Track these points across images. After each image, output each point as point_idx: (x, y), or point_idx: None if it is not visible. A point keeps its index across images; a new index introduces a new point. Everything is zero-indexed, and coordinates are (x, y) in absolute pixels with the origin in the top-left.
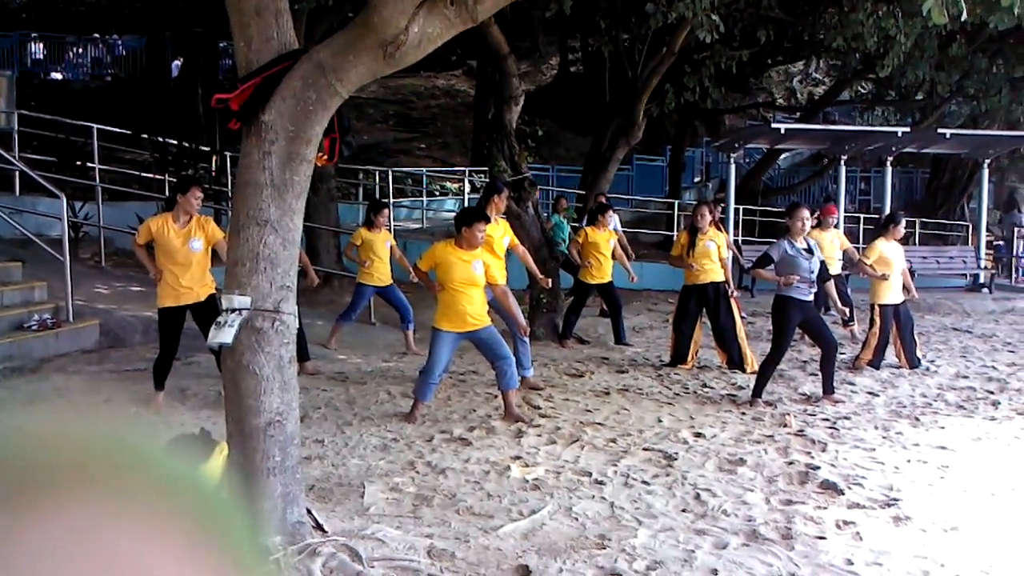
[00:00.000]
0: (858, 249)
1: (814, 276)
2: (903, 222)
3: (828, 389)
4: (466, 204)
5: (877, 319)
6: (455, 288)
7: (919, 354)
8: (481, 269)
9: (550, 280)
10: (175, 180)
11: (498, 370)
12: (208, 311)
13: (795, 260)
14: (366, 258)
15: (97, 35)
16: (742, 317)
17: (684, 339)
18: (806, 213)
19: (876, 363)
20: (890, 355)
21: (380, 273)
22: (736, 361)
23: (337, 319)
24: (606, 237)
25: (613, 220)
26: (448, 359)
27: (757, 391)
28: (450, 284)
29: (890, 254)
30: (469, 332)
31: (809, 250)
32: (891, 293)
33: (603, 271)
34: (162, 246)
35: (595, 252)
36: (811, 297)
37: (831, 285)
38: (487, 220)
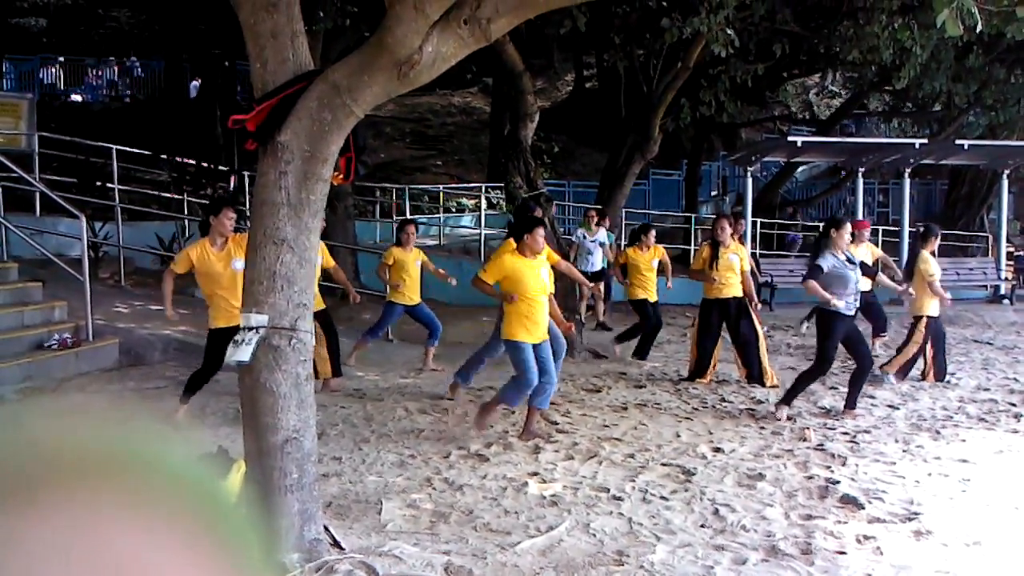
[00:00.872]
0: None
1: (859, 288)
2: (939, 234)
3: (851, 404)
4: (483, 221)
5: (922, 330)
6: (531, 298)
7: None
8: (547, 274)
9: (600, 287)
10: (206, 202)
11: (538, 387)
12: None
13: (843, 272)
14: (398, 279)
15: (115, 58)
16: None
17: (706, 354)
18: (850, 227)
19: (905, 372)
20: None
21: (411, 292)
22: (756, 375)
23: (363, 335)
24: (648, 258)
25: (600, 233)
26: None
27: (787, 399)
28: (526, 294)
29: (935, 265)
30: (540, 344)
31: (851, 261)
32: (936, 305)
33: (648, 290)
34: (205, 273)
35: (636, 273)
36: (854, 311)
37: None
38: (544, 224)
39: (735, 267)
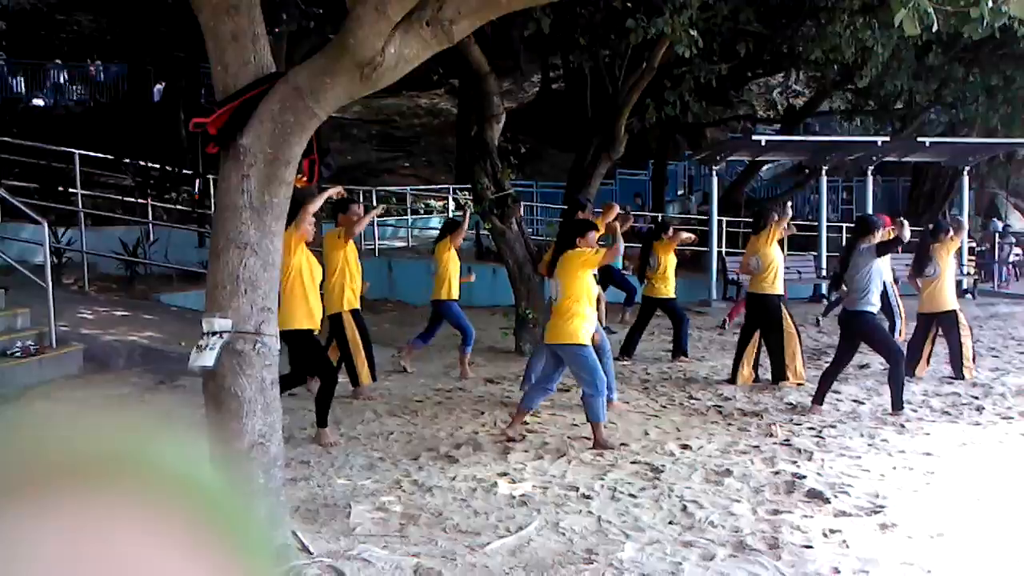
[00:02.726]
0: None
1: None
2: (948, 228)
3: (819, 399)
4: None
5: (965, 322)
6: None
7: None
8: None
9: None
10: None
11: (550, 389)
12: None
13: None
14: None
15: (77, 62)
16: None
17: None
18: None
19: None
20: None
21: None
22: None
23: (461, 348)
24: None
25: None
26: None
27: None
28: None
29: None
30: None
31: None
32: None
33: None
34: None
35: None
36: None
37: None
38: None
39: None
